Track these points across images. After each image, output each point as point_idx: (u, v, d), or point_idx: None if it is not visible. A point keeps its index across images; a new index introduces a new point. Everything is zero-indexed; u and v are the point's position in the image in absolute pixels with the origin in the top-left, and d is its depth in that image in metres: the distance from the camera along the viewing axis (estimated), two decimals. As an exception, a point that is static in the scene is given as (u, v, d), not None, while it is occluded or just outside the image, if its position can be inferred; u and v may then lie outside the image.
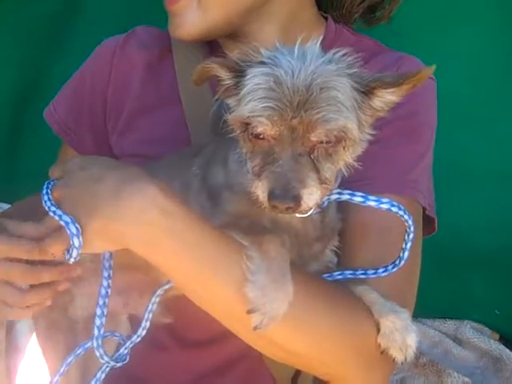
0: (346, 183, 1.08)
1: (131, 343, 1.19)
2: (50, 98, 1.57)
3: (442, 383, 1.76)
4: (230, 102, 1.04)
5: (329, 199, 1.07)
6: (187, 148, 1.32)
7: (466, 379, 1.73)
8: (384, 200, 1.06)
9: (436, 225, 1.34)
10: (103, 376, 1.18)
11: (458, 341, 1.84)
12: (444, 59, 1.64)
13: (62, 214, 1.02)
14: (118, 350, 1.20)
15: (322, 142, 0.97)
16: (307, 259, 1.13)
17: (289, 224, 1.09)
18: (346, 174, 1.04)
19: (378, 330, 1.09)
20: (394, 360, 1.09)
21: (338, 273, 1.14)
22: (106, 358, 1.14)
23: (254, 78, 0.98)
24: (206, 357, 1.37)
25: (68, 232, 1.00)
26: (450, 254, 1.81)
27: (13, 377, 1.67)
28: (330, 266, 1.17)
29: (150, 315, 1.17)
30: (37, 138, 1.93)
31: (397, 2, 1.48)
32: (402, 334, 1.07)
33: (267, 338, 1.04)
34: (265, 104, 0.95)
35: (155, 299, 1.16)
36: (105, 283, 1.11)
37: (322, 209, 1.10)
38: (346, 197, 1.07)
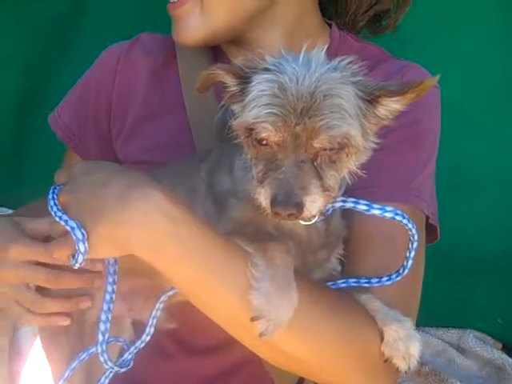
0: (349, 191, 1.09)
1: (135, 349, 1.19)
2: (54, 102, 1.58)
3: (445, 392, 1.76)
4: (235, 108, 1.04)
5: (333, 207, 1.07)
6: (192, 154, 1.33)
7: (469, 388, 1.73)
8: (388, 208, 1.06)
9: (439, 233, 1.34)
10: (107, 381, 1.18)
11: (460, 350, 1.83)
12: (447, 66, 1.65)
13: (67, 220, 1.02)
14: (121, 355, 1.20)
15: (325, 149, 0.97)
16: (311, 267, 1.13)
17: (293, 231, 1.10)
18: (349, 181, 1.04)
19: (382, 339, 1.09)
20: (397, 369, 1.09)
21: (341, 281, 1.14)
22: (110, 364, 1.14)
23: (259, 85, 0.98)
24: (209, 363, 1.38)
25: (74, 237, 1.00)
26: (453, 261, 1.81)
27: (16, 381, 1.67)
28: (333, 273, 1.17)
29: (154, 321, 1.17)
30: (41, 143, 1.94)
31: (403, 12, 1.49)
32: (406, 343, 1.07)
33: (271, 344, 1.04)
34: (269, 110, 0.96)
35: (159, 305, 1.16)
36: (109, 288, 1.11)
37: (327, 216, 1.10)
38: (350, 205, 1.07)
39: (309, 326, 1.06)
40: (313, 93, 0.95)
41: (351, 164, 1.01)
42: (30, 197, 1.62)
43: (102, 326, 1.11)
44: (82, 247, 1.00)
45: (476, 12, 1.74)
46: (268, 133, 0.96)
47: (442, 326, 1.87)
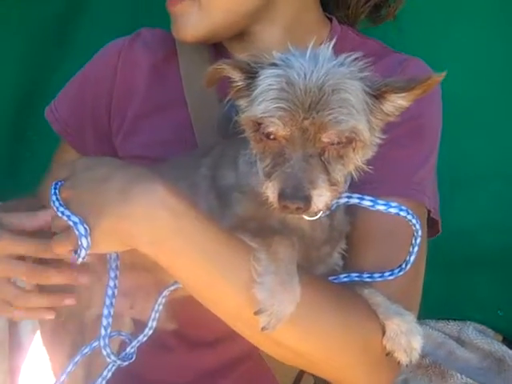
0: (351, 185, 1.09)
1: (138, 343, 1.19)
2: (52, 99, 1.57)
3: (445, 384, 1.76)
4: (241, 103, 1.05)
5: (337, 203, 1.08)
6: (194, 150, 1.33)
7: (470, 380, 1.73)
8: (393, 204, 1.06)
9: (440, 227, 1.34)
10: (109, 375, 1.18)
11: (461, 342, 1.83)
12: (448, 60, 1.65)
13: (70, 215, 1.02)
14: (124, 349, 1.20)
15: (332, 144, 0.98)
16: (314, 262, 1.13)
17: (297, 226, 1.10)
18: (355, 177, 1.05)
19: (384, 333, 1.09)
20: (398, 363, 1.09)
21: (344, 275, 1.15)
22: (112, 357, 1.15)
23: (267, 79, 0.98)
24: (210, 357, 1.38)
25: (76, 232, 1.00)
26: (453, 255, 1.81)
27: (16, 376, 1.68)
28: (336, 268, 1.17)
29: (157, 315, 1.17)
30: (39, 139, 1.93)
31: (402, 0, 1.49)
32: (408, 337, 1.08)
33: (273, 338, 1.04)
34: (277, 104, 0.96)
35: (162, 300, 1.16)
36: (111, 283, 1.11)
37: (331, 212, 1.10)
38: (355, 201, 1.07)
39: (311, 320, 1.06)
40: (321, 87, 0.95)
41: (358, 159, 1.02)
42: (27, 191, 1.62)
43: (104, 321, 1.11)
44: (84, 242, 1.00)
45: (476, 5, 1.73)
46: (276, 127, 0.97)
47: (442, 319, 1.87)
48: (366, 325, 1.10)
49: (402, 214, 1.07)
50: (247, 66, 1.02)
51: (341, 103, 0.96)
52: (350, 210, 1.15)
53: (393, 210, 1.07)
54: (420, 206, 1.25)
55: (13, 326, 1.67)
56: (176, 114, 1.41)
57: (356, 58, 1.01)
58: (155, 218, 0.99)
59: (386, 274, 1.13)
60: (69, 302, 1.16)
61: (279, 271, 0.99)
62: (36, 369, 1.59)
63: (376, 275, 1.14)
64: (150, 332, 1.18)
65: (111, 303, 1.11)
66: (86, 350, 1.16)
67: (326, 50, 1.01)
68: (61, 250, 1.06)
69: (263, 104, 0.97)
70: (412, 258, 1.11)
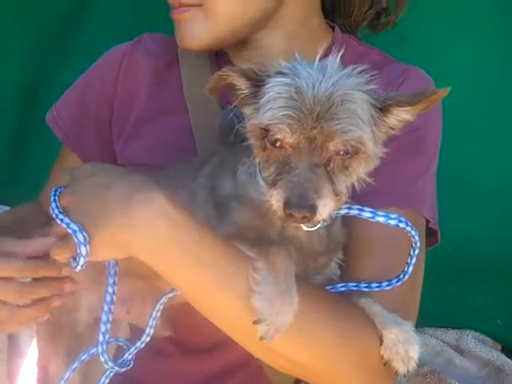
0: (350, 196, 1.09)
1: (135, 349, 1.19)
2: (55, 100, 1.57)
3: (444, 392, 1.76)
4: (246, 110, 1.05)
5: (338, 213, 1.08)
6: (194, 157, 1.33)
7: (468, 389, 1.73)
8: (392, 216, 1.07)
9: (439, 237, 1.34)
10: (107, 381, 1.18)
11: (459, 350, 1.83)
12: (448, 70, 1.66)
13: (69, 222, 1.02)
14: (121, 355, 1.21)
15: (338, 154, 0.98)
16: (312, 272, 1.13)
17: (295, 237, 1.10)
18: (357, 188, 1.05)
19: (381, 342, 1.09)
20: (396, 372, 1.09)
21: (341, 285, 1.15)
22: (110, 364, 1.15)
23: (275, 87, 0.99)
24: (207, 364, 1.38)
25: (75, 240, 1.00)
26: (452, 263, 1.80)
27: (14, 381, 1.68)
28: (334, 278, 1.17)
29: (154, 322, 1.17)
30: (41, 143, 1.91)
31: (402, 8, 1.49)
32: (405, 346, 1.08)
33: (270, 348, 1.04)
34: (285, 112, 0.96)
35: (160, 306, 1.16)
36: (110, 289, 1.11)
37: (329, 223, 1.10)
38: (355, 212, 1.08)
39: (309, 330, 1.06)
40: (329, 97, 0.96)
41: (361, 171, 1.02)
42: (29, 194, 1.62)
43: (102, 327, 1.11)
44: (83, 250, 1.00)
45: (476, 12, 1.73)
46: (284, 134, 0.97)
47: (441, 327, 1.87)
48: (363, 334, 1.10)
49: (401, 225, 1.07)
50: (253, 74, 1.02)
51: (349, 114, 0.96)
52: (347, 220, 1.16)
53: (392, 222, 1.07)
54: (418, 215, 1.25)
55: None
56: (177, 120, 1.41)
57: (362, 70, 1.01)
58: (154, 227, 0.99)
59: (384, 284, 1.13)
60: (57, 303, 1.14)
61: (278, 281, 0.99)
62: (34, 374, 1.59)
63: (373, 285, 1.14)
64: (148, 339, 1.18)
65: (109, 309, 1.11)
66: (83, 357, 1.16)
67: (334, 60, 1.01)
68: (60, 257, 1.06)
69: (271, 111, 0.97)
70: (410, 269, 1.11)
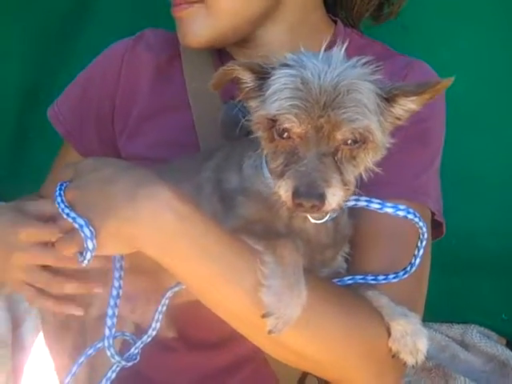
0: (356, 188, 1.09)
1: (142, 343, 1.19)
2: (56, 98, 1.57)
3: (449, 387, 1.76)
4: (252, 103, 1.05)
5: (345, 205, 1.07)
6: (199, 152, 1.33)
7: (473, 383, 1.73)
8: (401, 207, 1.06)
9: (444, 229, 1.35)
10: (114, 375, 1.18)
11: (464, 345, 1.83)
12: (451, 62, 1.66)
13: (75, 217, 1.02)
14: (127, 349, 1.21)
15: (346, 143, 0.98)
16: (319, 265, 1.13)
17: (303, 230, 1.10)
18: (365, 178, 1.05)
19: (389, 335, 1.09)
20: (404, 364, 1.09)
21: (348, 278, 1.15)
22: (117, 358, 1.15)
23: (281, 78, 0.99)
24: (213, 358, 1.38)
25: (82, 235, 1.00)
26: (457, 257, 1.80)
27: (19, 376, 1.68)
28: (340, 271, 1.17)
29: (160, 316, 1.17)
30: (42, 139, 1.92)
31: None
32: (413, 338, 1.08)
33: (278, 341, 1.04)
34: (292, 102, 0.96)
35: (165, 301, 1.16)
36: (116, 284, 1.11)
37: (337, 215, 1.10)
38: (362, 203, 1.07)
39: (317, 323, 1.06)
40: (335, 87, 0.96)
41: (368, 161, 1.02)
42: (29, 190, 1.62)
43: (108, 321, 1.11)
44: (90, 245, 1.00)
45: (480, 5, 1.73)
46: (291, 124, 0.97)
47: (446, 322, 1.87)
48: (370, 326, 1.10)
49: (410, 216, 1.07)
50: (258, 67, 1.03)
51: (355, 103, 0.97)
52: (353, 212, 1.15)
53: (401, 213, 1.06)
54: (424, 208, 1.25)
55: (16, 326, 1.67)
56: (179, 115, 1.41)
57: (367, 62, 1.02)
58: (160, 220, 0.99)
59: (391, 276, 1.13)
60: (98, 289, 1.15)
61: (286, 274, 0.98)
62: (39, 369, 1.59)
63: (380, 277, 1.14)
64: (154, 333, 1.18)
65: (115, 303, 1.11)
66: (90, 351, 1.16)
67: (339, 51, 1.01)
68: (66, 251, 1.06)
69: (278, 102, 0.98)
70: (417, 261, 1.11)
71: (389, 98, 1.01)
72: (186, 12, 1.32)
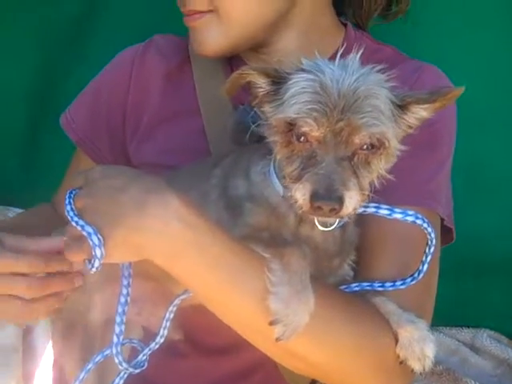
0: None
1: (149, 350, 1.19)
2: (68, 102, 1.58)
3: (459, 391, 1.75)
4: (266, 108, 1.05)
5: (357, 211, 1.07)
6: (206, 158, 1.33)
7: (483, 388, 1.72)
8: (410, 213, 1.07)
9: (454, 234, 1.34)
10: (121, 382, 1.18)
11: (474, 349, 1.82)
12: (462, 63, 1.65)
13: (84, 224, 1.02)
14: (135, 356, 1.21)
15: (363, 148, 0.99)
16: (325, 273, 1.13)
17: (310, 238, 1.10)
18: (377, 185, 1.05)
19: (396, 341, 1.09)
20: (412, 370, 1.09)
21: (355, 284, 1.14)
22: (124, 365, 1.15)
23: (300, 83, 0.99)
24: (223, 364, 1.38)
25: (90, 243, 1.00)
26: (467, 260, 1.79)
27: (30, 382, 1.69)
28: (347, 279, 1.17)
29: (168, 323, 1.17)
30: (54, 146, 1.92)
31: None
32: (420, 345, 1.08)
33: (286, 348, 1.04)
34: (311, 106, 0.97)
35: (173, 308, 1.16)
36: (124, 291, 1.11)
37: (344, 222, 1.10)
38: (371, 210, 1.08)
39: (325, 331, 1.06)
40: (354, 92, 0.97)
41: (381, 167, 1.03)
42: (41, 196, 1.63)
43: (116, 328, 1.11)
44: (98, 252, 1.00)
45: (489, 6, 1.72)
46: (310, 127, 0.97)
47: (456, 325, 1.86)
48: (378, 333, 1.10)
49: (419, 222, 1.07)
50: (274, 72, 1.03)
51: (373, 108, 0.97)
52: (361, 217, 1.15)
53: (409, 219, 1.07)
54: (433, 213, 1.25)
55: (27, 332, 1.68)
56: (190, 122, 1.41)
57: (381, 69, 1.02)
58: (169, 229, 0.99)
59: (398, 283, 1.13)
60: (66, 296, 1.16)
61: (293, 282, 0.98)
62: (49, 375, 1.59)
63: (387, 284, 1.13)
64: (162, 340, 1.18)
65: (123, 311, 1.11)
66: (98, 358, 1.16)
67: (355, 58, 1.02)
68: (74, 259, 1.06)
69: (297, 105, 0.98)
70: (425, 267, 1.11)
71: (402, 106, 1.02)
72: (199, 22, 1.33)
